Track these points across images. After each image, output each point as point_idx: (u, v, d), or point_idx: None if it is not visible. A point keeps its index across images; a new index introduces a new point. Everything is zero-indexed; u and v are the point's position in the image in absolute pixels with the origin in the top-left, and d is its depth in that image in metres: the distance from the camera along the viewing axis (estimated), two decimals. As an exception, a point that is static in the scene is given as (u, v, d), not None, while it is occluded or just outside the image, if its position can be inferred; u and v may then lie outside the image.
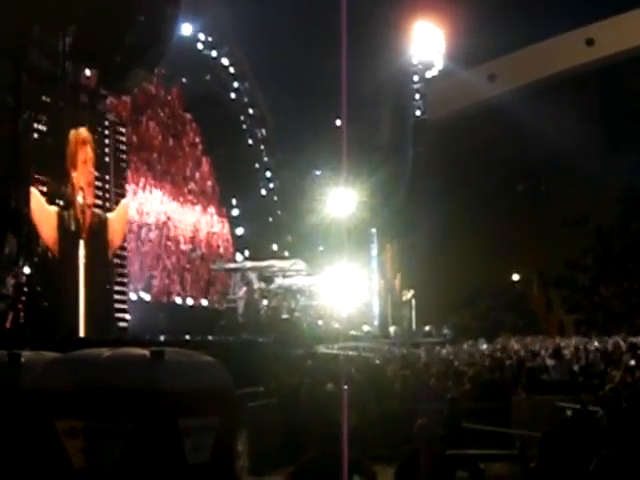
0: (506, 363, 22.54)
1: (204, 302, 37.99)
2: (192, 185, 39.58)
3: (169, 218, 36.68)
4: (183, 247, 37.88)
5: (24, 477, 6.40)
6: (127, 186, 29.37)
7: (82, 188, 24.51)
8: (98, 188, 25.51)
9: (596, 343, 29.94)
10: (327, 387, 16.78)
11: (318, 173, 42.84)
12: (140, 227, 34.26)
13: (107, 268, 26.32)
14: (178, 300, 36.15)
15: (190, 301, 36.93)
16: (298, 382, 18.22)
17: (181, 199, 38.10)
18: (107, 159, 26.31)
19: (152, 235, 35.23)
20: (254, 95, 43.57)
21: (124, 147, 28.02)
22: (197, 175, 40.22)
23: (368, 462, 9.25)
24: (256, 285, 35.99)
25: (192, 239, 38.69)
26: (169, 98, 38.53)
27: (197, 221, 39.38)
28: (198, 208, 39.66)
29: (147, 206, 34.93)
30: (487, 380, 19.50)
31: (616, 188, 52.93)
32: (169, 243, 36.66)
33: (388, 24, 43.91)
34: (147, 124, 36.60)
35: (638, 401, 11.81)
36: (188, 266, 37.95)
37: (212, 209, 41.00)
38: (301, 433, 13.75)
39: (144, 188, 34.96)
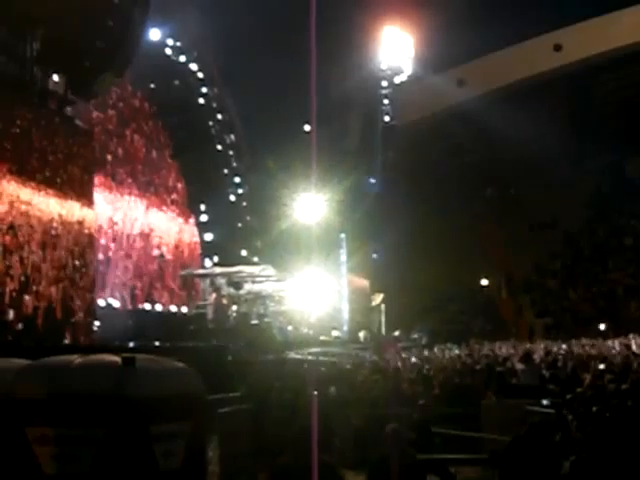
0: (476, 367, 22.57)
1: (173, 308, 37.85)
2: (160, 191, 39.43)
3: (137, 224, 36.52)
4: (151, 253, 37.72)
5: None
6: (95, 193, 29.28)
7: (50, 195, 24.42)
8: (66, 195, 25.43)
9: (565, 347, 30.08)
10: (305, 392, 16.68)
11: (287, 178, 42.83)
12: (108, 234, 34.10)
13: (74, 275, 26.23)
14: (147, 306, 35.98)
15: (159, 307, 36.78)
16: (269, 387, 18.15)
17: (148, 205, 37.92)
18: (76, 166, 26.26)
19: (120, 241, 35.07)
20: (223, 100, 43.48)
21: (92, 154, 27.95)
22: (165, 180, 40.09)
23: (339, 467, 9.25)
24: (225, 291, 35.91)
25: (160, 245, 38.54)
26: (153, 109, 38.48)
27: (165, 227, 39.22)
28: (166, 214, 39.51)
29: (115, 213, 34.78)
30: (457, 385, 19.53)
31: (584, 192, 53.34)
32: (137, 249, 36.49)
33: (357, 29, 44.01)
34: (130, 134, 36.62)
35: (607, 405, 11.85)
36: (157, 272, 37.81)
37: (181, 215, 40.85)
38: (273, 439, 13.70)
39: (113, 194, 34.83)
